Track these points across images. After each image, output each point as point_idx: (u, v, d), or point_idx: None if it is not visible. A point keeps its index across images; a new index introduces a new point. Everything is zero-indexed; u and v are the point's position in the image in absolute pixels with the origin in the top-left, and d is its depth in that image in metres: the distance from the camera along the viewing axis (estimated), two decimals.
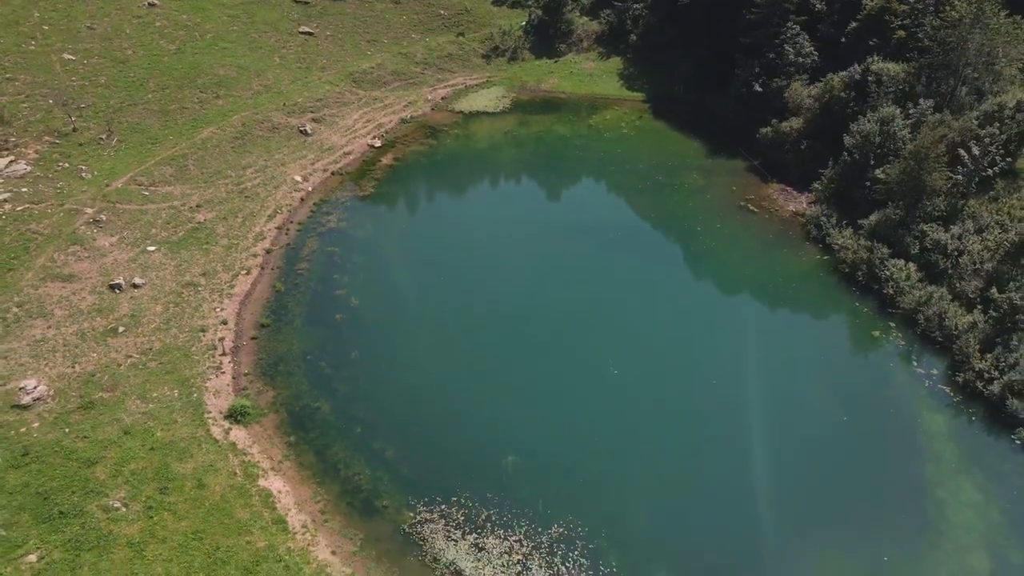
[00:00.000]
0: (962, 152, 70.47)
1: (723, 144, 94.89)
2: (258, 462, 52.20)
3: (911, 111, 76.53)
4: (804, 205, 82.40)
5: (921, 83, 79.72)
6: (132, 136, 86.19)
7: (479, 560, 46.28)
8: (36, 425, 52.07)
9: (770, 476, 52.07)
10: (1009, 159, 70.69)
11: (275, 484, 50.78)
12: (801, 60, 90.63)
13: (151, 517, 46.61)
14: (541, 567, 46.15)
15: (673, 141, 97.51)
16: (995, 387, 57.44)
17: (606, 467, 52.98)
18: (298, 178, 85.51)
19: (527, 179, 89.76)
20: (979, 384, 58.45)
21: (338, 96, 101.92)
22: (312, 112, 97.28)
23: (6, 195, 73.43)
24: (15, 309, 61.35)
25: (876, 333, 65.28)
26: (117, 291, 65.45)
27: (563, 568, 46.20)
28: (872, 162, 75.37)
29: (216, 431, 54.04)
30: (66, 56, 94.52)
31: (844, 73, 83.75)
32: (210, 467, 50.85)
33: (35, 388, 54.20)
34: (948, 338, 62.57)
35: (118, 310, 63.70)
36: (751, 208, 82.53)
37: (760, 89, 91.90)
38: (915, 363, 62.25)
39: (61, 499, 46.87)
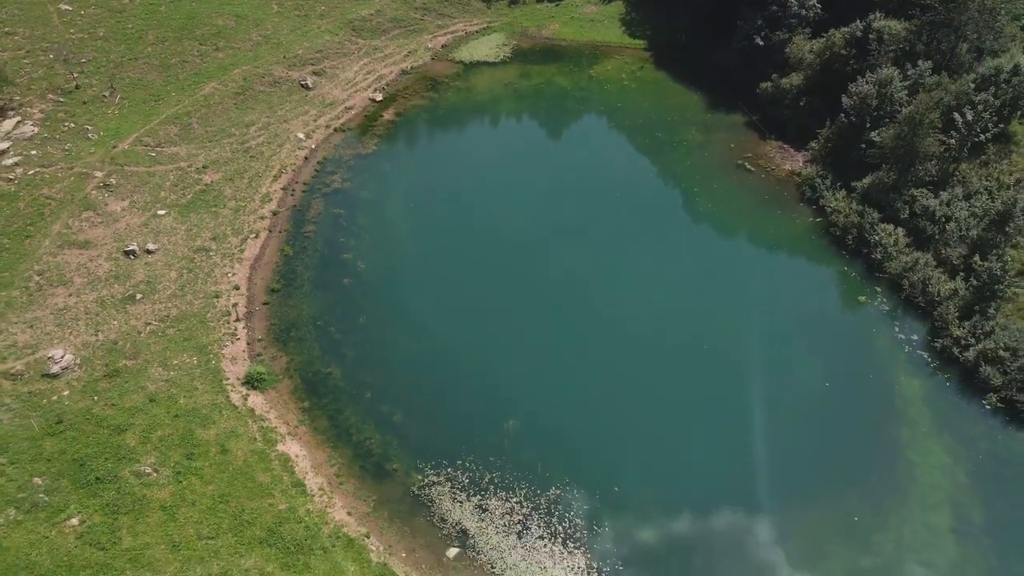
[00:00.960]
0: (956, 116, 71.48)
1: (723, 97, 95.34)
2: (276, 427, 55.84)
3: (910, 72, 76.96)
4: (800, 164, 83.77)
5: (922, 41, 79.78)
6: (134, 92, 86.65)
7: (483, 520, 50.46)
8: (67, 393, 55.47)
9: (754, 441, 55.79)
10: (1002, 124, 71.76)
11: (292, 448, 54.55)
12: (804, 12, 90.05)
13: (180, 482, 50.48)
14: (540, 527, 50.27)
15: (673, 94, 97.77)
16: (970, 354, 60.63)
17: (601, 430, 56.64)
18: (301, 135, 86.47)
19: (528, 137, 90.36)
20: (955, 350, 61.65)
21: (338, 46, 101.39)
22: (312, 64, 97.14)
23: (16, 158, 74.79)
24: (36, 278, 63.90)
25: (862, 298, 68.03)
26: (132, 257, 67.78)
27: (560, 528, 50.43)
28: (868, 124, 76.35)
29: (235, 397, 57.50)
30: (63, 7, 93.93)
31: (846, 29, 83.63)
32: (231, 433, 54.50)
33: (63, 357, 57.33)
34: (930, 304, 65.39)
35: (134, 276, 66.24)
36: (748, 167, 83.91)
37: (762, 43, 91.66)
38: (897, 328, 65.23)
39: (96, 465, 50.62)
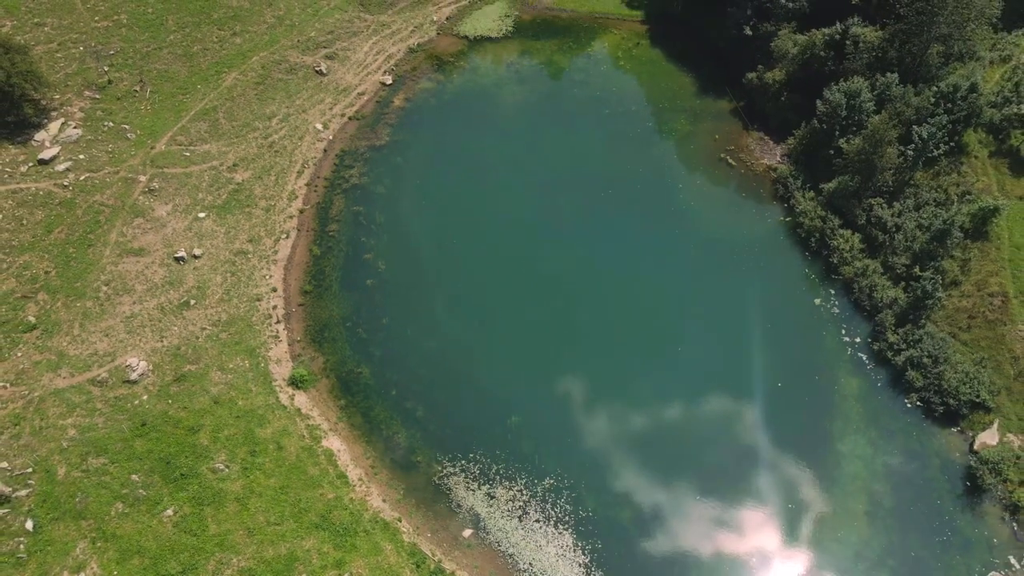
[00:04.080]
0: (915, 130, 79.29)
1: (713, 81, 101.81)
2: (319, 424, 67.79)
3: (878, 81, 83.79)
4: (777, 158, 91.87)
5: (894, 48, 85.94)
6: (163, 86, 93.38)
7: (491, 507, 63.32)
8: (145, 398, 67.07)
9: (711, 435, 67.95)
10: (953, 143, 79.65)
11: (335, 444, 66.76)
12: (792, 6, 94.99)
13: (248, 476, 62.89)
14: (536, 512, 63.19)
15: (666, 76, 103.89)
16: (900, 358, 71.83)
17: (586, 425, 68.70)
18: (319, 126, 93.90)
19: (529, 127, 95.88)
20: (889, 354, 72.76)
21: (347, 24, 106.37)
22: (325, 47, 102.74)
23: (67, 163, 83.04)
24: (104, 288, 74.08)
25: (817, 301, 78.43)
26: (181, 263, 77.60)
27: (553, 512, 63.36)
28: (837, 132, 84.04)
29: (283, 398, 69.15)
30: None
31: (826, 31, 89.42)
32: (284, 431, 66.52)
33: (138, 364, 68.50)
34: (874, 309, 75.91)
35: (186, 282, 76.34)
36: (729, 161, 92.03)
37: (751, 33, 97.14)
38: (844, 330, 76.03)
39: (179, 462, 62.85)
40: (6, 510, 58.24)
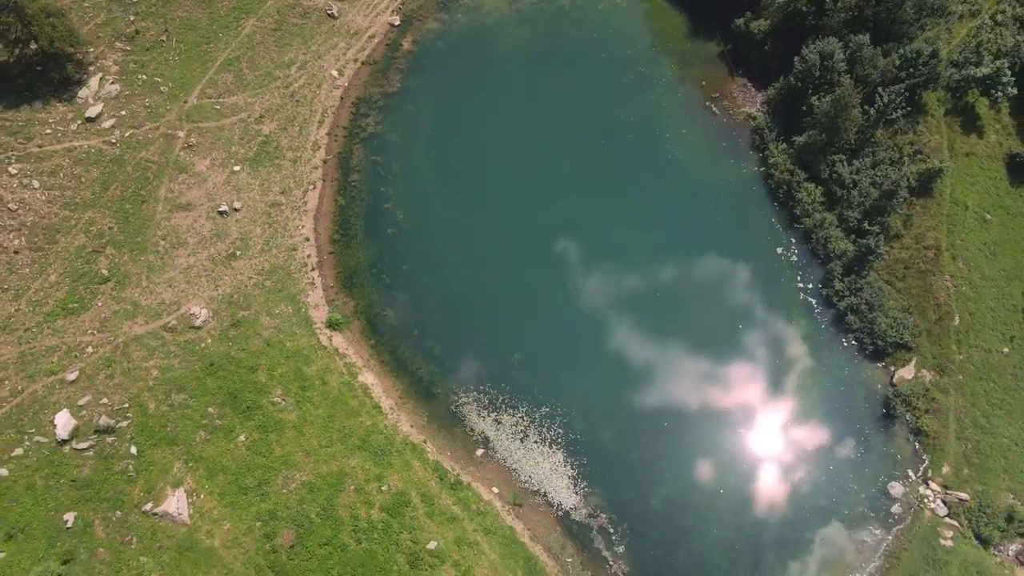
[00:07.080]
0: (879, 93, 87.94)
1: (704, 21, 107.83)
2: (354, 362, 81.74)
3: (851, 41, 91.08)
4: (758, 106, 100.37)
5: (871, 6, 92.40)
6: (187, 34, 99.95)
7: (498, 431, 78.59)
8: (209, 341, 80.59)
9: (677, 370, 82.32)
10: (910, 107, 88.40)
11: (369, 379, 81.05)
12: None
13: (301, 408, 77.59)
14: (535, 435, 78.62)
15: (660, 15, 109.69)
16: (844, 303, 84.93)
17: (576, 360, 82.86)
18: (335, 72, 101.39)
19: (531, 73, 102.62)
20: (835, 299, 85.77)
21: None
22: None
23: (112, 120, 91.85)
24: (162, 242, 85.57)
25: (779, 250, 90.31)
26: (225, 216, 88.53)
27: (548, 435, 78.76)
28: (811, 91, 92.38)
29: (323, 339, 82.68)
30: None
31: None
32: (326, 369, 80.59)
33: (200, 312, 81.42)
34: (827, 258, 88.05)
35: (230, 234, 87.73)
36: (714, 109, 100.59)
37: None
38: (799, 277, 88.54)
39: (244, 397, 77.29)
40: (113, 438, 73.23)
